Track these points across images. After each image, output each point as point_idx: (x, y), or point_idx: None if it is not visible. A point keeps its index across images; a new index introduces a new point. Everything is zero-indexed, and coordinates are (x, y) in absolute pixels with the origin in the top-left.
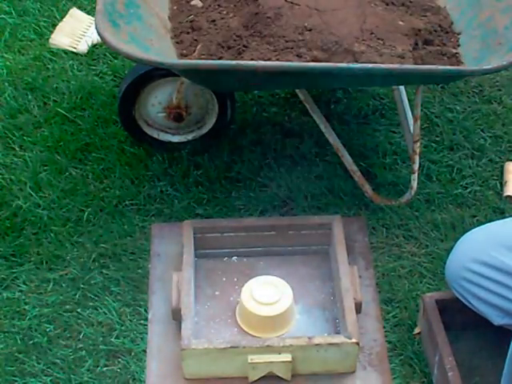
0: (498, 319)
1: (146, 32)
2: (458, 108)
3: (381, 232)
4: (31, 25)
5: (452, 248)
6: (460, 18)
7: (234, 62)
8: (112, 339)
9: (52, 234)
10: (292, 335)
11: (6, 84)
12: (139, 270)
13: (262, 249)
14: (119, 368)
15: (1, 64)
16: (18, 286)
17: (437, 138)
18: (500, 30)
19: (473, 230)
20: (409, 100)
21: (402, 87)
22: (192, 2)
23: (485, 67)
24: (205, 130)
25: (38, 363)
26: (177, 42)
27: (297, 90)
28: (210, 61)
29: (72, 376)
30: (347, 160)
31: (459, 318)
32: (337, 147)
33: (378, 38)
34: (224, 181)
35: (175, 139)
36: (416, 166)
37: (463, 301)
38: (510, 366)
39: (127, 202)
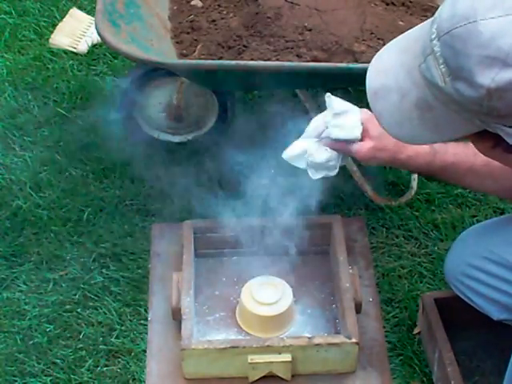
0: (497, 314)
1: (146, 32)
2: None
3: (381, 232)
4: (31, 25)
5: None
6: None
7: (233, 62)
8: (112, 339)
9: (52, 234)
10: (292, 335)
11: (6, 84)
12: (139, 270)
13: (261, 249)
14: (119, 368)
15: (1, 64)
16: (18, 286)
17: None
18: None
19: (472, 227)
20: None
21: None
22: (192, 2)
23: None
24: (205, 130)
25: (38, 363)
26: (177, 42)
27: (297, 90)
28: (209, 61)
29: (72, 376)
30: (347, 160)
31: (459, 317)
32: None
33: (378, 38)
34: (224, 181)
35: (175, 139)
36: None
37: (462, 297)
38: None
39: (127, 202)
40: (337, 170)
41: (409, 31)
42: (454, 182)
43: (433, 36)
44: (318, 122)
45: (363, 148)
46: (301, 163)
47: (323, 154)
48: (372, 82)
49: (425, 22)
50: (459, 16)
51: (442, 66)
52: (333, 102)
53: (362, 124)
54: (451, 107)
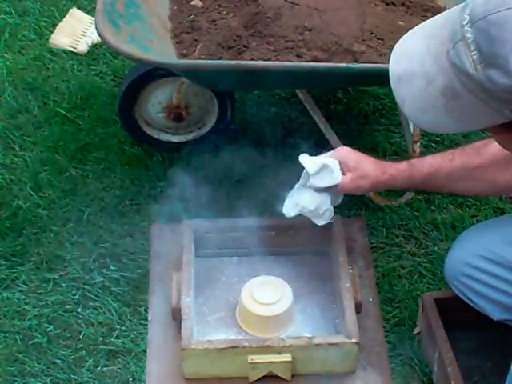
0: (497, 314)
1: (146, 32)
2: None
3: (381, 232)
4: (31, 25)
5: None
6: None
7: (233, 62)
8: (112, 339)
9: (52, 234)
10: (292, 335)
11: (6, 84)
12: (139, 270)
13: (261, 249)
14: (119, 368)
15: (1, 64)
16: (18, 286)
17: (437, 138)
18: None
19: (472, 227)
20: None
21: None
22: (192, 2)
23: None
24: (205, 130)
25: (38, 363)
26: (177, 42)
27: (297, 90)
28: (209, 61)
29: (72, 376)
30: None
31: (459, 317)
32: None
33: (378, 38)
34: (224, 181)
35: (175, 139)
36: None
37: (462, 297)
38: None
39: (127, 202)
40: (332, 214)
41: (433, 18)
42: (438, 190)
43: (464, 22)
44: (304, 174)
45: (345, 181)
46: (304, 213)
47: (314, 202)
48: (395, 67)
49: (452, 9)
50: (495, 2)
51: (474, 52)
52: (305, 162)
53: (341, 167)
54: (480, 96)
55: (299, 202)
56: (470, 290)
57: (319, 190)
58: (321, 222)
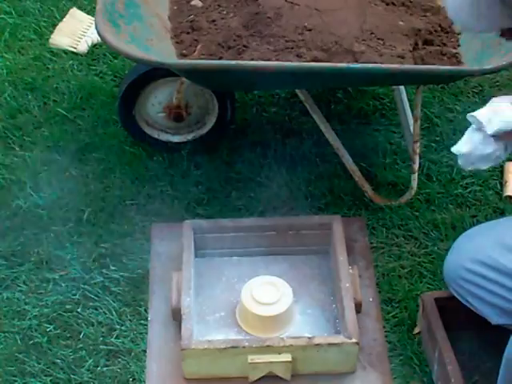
0: (496, 318)
1: (146, 32)
2: (457, 108)
3: (381, 232)
4: (31, 25)
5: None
6: None
7: (233, 62)
8: (112, 339)
9: (52, 234)
10: (292, 335)
11: (6, 84)
12: (139, 270)
13: (261, 249)
14: (119, 368)
15: (1, 64)
16: (18, 285)
17: (437, 138)
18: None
19: (470, 230)
20: (409, 100)
21: (402, 87)
22: (192, 2)
23: (485, 67)
24: (205, 130)
25: (38, 363)
26: (177, 42)
27: (297, 90)
28: (209, 61)
29: (72, 376)
30: (347, 160)
31: (458, 317)
32: (337, 147)
33: (378, 38)
34: (224, 181)
35: (175, 139)
36: (416, 166)
37: (461, 300)
38: (504, 369)
39: (127, 202)
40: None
41: None
42: None
43: None
44: (477, 121)
45: None
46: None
47: (488, 145)
48: None
49: None
50: None
51: None
52: (477, 113)
53: None
54: None
55: (473, 141)
56: (469, 294)
57: (494, 136)
58: (485, 167)
